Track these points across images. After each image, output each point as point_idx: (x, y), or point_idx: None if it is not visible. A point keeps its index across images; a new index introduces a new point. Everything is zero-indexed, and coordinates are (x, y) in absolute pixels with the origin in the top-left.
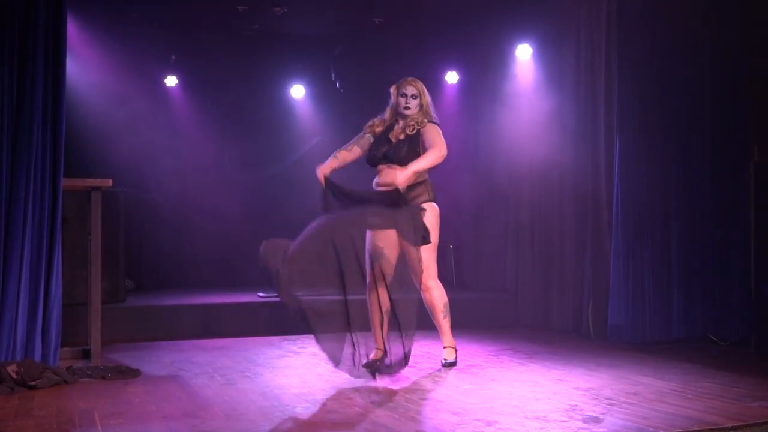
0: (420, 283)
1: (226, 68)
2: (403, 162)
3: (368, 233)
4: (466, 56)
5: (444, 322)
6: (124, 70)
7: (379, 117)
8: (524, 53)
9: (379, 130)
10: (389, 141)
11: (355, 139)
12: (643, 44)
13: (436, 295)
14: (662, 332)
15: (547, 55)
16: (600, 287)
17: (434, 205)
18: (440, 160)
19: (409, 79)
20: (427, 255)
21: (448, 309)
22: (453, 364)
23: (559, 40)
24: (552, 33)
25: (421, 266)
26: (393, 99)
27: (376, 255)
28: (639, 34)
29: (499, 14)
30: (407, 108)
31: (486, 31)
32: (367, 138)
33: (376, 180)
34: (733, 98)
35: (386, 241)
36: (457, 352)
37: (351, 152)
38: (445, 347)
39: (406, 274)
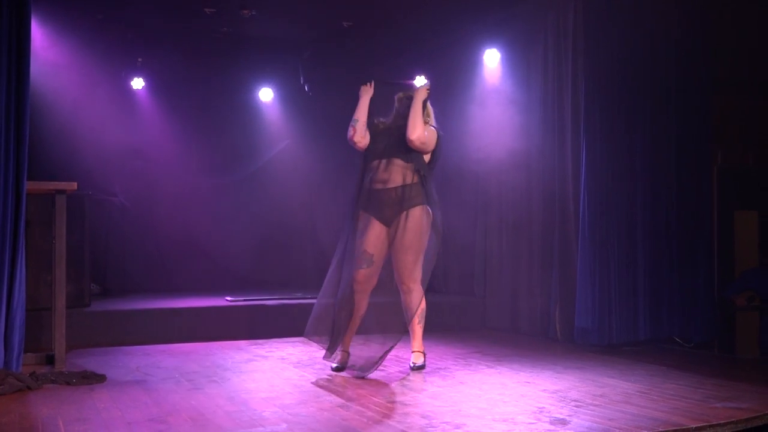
0: (402, 284)
1: (194, 71)
2: (403, 156)
3: (360, 237)
4: (434, 60)
5: (418, 327)
6: (90, 72)
7: (383, 119)
8: (492, 58)
9: (380, 129)
10: (388, 137)
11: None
12: (609, 50)
13: (416, 298)
14: (628, 334)
15: (514, 60)
16: (567, 290)
17: (427, 208)
18: (423, 140)
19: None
20: (414, 258)
21: (424, 315)
22: (422, 368)
23: (526, 45)
24: (520, 38)
25: (407, 268)
26: (397, 104)
27: (366, 260)
28: (605, 40)
29: (467, 19)
30: None
31: (454, 36)
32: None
33: (371, 177)
34: (697, 103)
35: (376, 248)
36: (426, 357)
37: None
38: (414, 351)
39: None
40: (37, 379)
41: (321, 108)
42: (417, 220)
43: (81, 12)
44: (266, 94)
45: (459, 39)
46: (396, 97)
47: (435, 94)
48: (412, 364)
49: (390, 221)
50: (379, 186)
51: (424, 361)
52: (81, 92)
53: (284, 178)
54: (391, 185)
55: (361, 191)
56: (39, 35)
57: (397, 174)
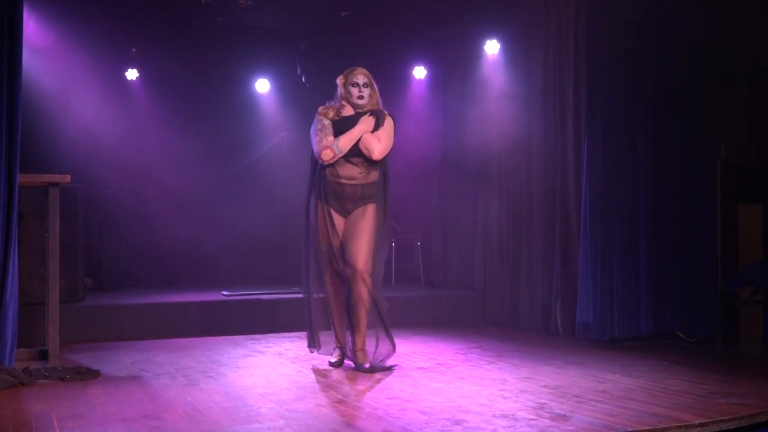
0: (356, 272)
1: (189, 61)
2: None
3: (328, 231)
4: (434, 51)
5: (365, 323)
6: (83, 63)
7: (329, 104)
8: (492, 48)
9: (331, 116)
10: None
11: (321, 127)
12: (611, 42)
13: (367, 291)
14: (630, 329)
15: (515, 51)
16: (568, 285)
17: (382, 205)
18: (385, 152)
19: (357, 68)
20: (368, 246)
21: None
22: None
23: (527, 37)
24: (520, 29)
25: (362, 254)
26: (341, 89)
27: (338, 252)
28: (607, 32)
29: (467, 9)
30: (361, 98)
31: (454, 26)
32: (329, 125)
33: (333, 171)
34: (701, 96)
35: (337, 238)
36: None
37: None
38: (360, 350)
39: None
40: (30, 375)
41: (318, 99)
42: (374, 212)
43: (74, 2)
44: (263, 86)
45: (459, 29)
46: (339, 82)
47: (434, 85)
48: (363, 366)
49: (348, 214)
50: (343, 181)
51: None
52: (74, 83)
53: (281, 170)
54: (355, 182)
55: (321, 183)
56: (31, 25)
57: (361, 171)
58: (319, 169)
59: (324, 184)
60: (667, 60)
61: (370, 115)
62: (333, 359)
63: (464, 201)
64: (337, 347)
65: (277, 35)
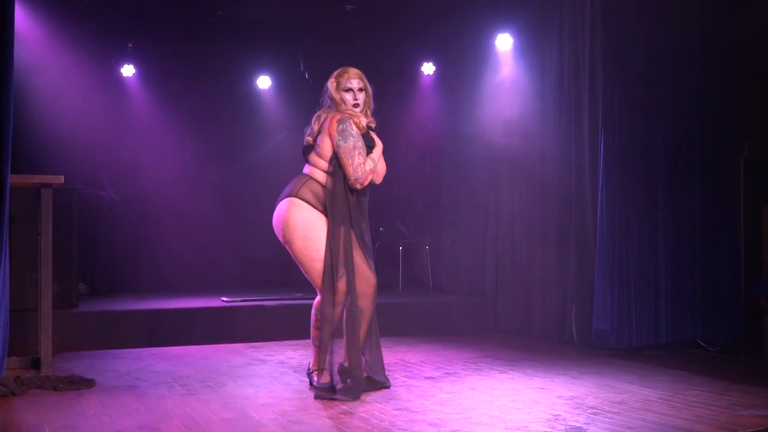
0: (370, 288)
1: (187, 57)
2: None
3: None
4: (443, 46)
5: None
6: (78, 59)
7: (328, 108)
8: (504, 43)
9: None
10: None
11: (363, 145)
12: (629, 36)
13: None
14: (649, 338)
15: (528, 46)
16: (584, 291)
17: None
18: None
19: (350, 70)
20: None
21: None
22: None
23: (541, 31)
24: (534, 22)
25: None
26: (334, 94)
27: (345, 266)
28: (625, 25)
29: (478, 1)
30: (357, 105)
31: (464, 19)
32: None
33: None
34: (723, 92)
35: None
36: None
37: None
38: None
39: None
40: (21, 384)
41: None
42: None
43: None
44: (264, 82)
45: (469, 23)
46: (330, 86)
47: (443, 82)
48: (388, 383)
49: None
50: (352, 199)
51: None
52: (68, 80)
53: (283, 170)
54: (362, 197)
55: (346, 205)
56: (23, 20)
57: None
58: (341, 188)
59: (349, 206)
60: (688, 54)
61: (371, 131)
62: (323, 381)
63: (474, 203)
64: (325, 369)
65: (279, 29)
